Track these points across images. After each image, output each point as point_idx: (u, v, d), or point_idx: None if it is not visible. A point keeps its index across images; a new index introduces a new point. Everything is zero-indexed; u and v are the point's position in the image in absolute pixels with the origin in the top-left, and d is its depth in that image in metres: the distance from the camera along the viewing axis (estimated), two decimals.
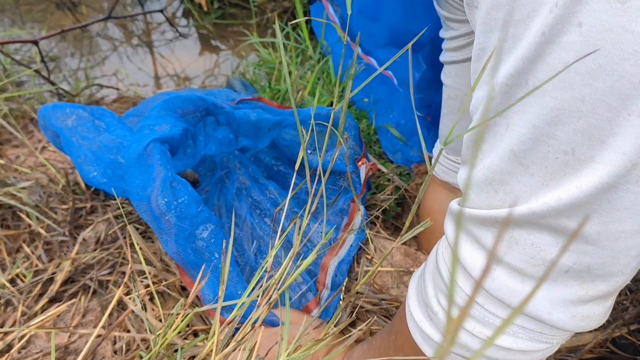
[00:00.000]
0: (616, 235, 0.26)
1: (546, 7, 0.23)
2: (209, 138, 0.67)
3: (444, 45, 0.59)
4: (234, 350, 0.38)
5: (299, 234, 0.39)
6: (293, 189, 0.42)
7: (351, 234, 0.67)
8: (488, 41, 0.28)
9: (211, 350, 0.37)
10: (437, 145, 0.71)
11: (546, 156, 0.26)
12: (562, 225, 0.27)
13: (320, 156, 0.70)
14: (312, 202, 0.40)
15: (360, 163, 0.72)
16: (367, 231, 0.71)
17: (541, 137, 0.26)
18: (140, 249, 0.66)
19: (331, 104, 0.95)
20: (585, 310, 0.30)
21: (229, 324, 0.42)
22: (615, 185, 0.24)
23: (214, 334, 0.37)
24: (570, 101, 0.24)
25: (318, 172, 0.42)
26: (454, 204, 0.35)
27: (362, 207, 0.70)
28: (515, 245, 0.29)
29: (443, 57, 0.60)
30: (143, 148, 0.56)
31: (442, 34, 0.58)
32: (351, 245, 0.67)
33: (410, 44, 0.31)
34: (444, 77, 0.62)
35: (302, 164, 0.74)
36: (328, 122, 0.69)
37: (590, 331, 0.58)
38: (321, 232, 0.68)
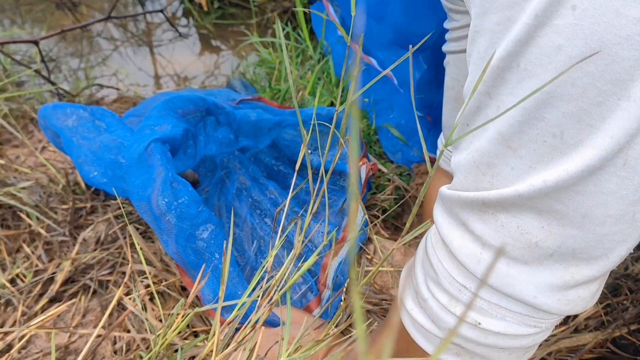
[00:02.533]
0: (601, 219, 0.26)
1: None
2: (209, 138, 0.67)
3: (447, 36, 0.59)
4: (234, 350, 0.38)
5: (300, 234, 0.39)
6: (294, 189, 0.42)
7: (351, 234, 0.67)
8: (482, 24, 0.28)
9: (211, 351, 0.37)
10: (441, 137, 0.70)
11: (535, 139, 0.26)
12: (547, 206, 0.27)
13: (321, 156, 0.70)
14: (314, 203, 0.40)
15: (360, 163, 0.72)
16: (368, 231, 0.71)
17: (530, 120, 0.26)
18: (141, 249, 0.66)
19: (331, 104, 0.95)
20: (571, 294, 0.30)
21: (229, 324, 0.42)
22: (602, 168, 0.24)
23: (214, 334, 0.37)
24: (560, 84, 0.24)
25: (320, 173, 0.42)
26: (443, 189, 0.35)
27: (363, 207, 0.70)
28: (501, 228, 0.29)
29: (445, 47, 0.60)
30: (144, 148, 0.56)
31: (446, 24, 0.59)
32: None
33: (414, 49, 0.31)
34: (445, 65, 0.62)
35: (302, 164, 0.74)
36: (328, 122, 0.69)
37: (590, 331, 0.58)
38: (321, 232, 0.68)
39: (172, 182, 0.55)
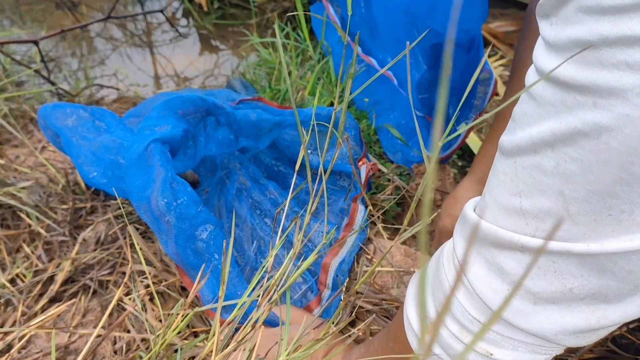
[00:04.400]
0: None
1: None
2: (209, 139, 0.67)
3: None
4: (234, 350, 0.38)
5: (299, 234, 0.39)
6: (293, 190, 0.42)
7: (352, 234, 0.67)
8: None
9: (211, 351, 0.37)
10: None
11: (599, 211, 0.25)
12: (593, 260, 0.26)
13: (321, 156, 0.69)
14: (313, 202, 0.40)
15: (360, 163, 0.72)
16: (368, 231, 0.71)
17: (600, 193, 0.24)
18: (140, 249, 0.66)
19: (331, 104, 0.95)
20: (591, 334, 0.29)
21: (229, 324, 0.42)
22: None
23: (214, 335, 0.37)
24: None
25: (319, 172, 0.42)
26: (470, 213, 0.32)
27: (363, 207, 0.70)
28: (537, 270, 0.28)
29: None
30: (143, 149, 0.56)
31: None
32: (352, 245, 0.66)
33: (410, 47, 0.31)
34: None
35: (302, 164, 0.74)
36: (328, 122, 0.69)
37: None
38: (321, 232, 0.68)
39: (172, 182, 0.55)
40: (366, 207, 0.71)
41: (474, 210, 0.33)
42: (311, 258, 0.38)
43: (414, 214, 0.79)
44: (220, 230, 0.57)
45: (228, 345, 0.38)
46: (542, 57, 0.26)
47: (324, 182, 0.38)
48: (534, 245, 0.27)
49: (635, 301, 0.27)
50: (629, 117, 0.22)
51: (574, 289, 0.27)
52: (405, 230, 0.35)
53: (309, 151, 0.72)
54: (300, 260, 0.43)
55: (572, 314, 0.28)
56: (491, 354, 0.32)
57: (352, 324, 0.61)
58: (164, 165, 0.55)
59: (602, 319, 0.28)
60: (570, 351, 0.57)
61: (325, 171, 0.69)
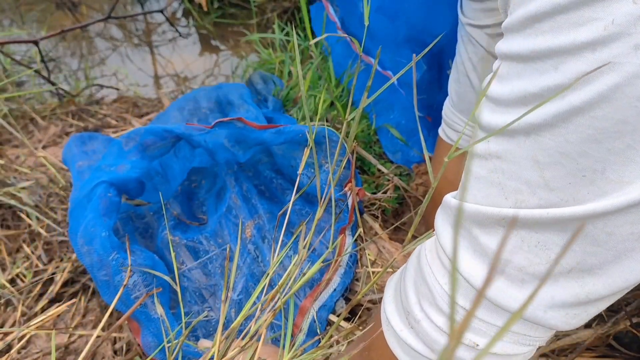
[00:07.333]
0: (625, 237, 0.26)
1: (601, 24, 0.22)
2: (186, 161, 0.70)
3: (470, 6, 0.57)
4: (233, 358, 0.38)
5: (304, 247, 0.39)
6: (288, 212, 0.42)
7: (336, 277, 0.63)
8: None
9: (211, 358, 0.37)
10: (447, 105, 0.67)
11: (573, 173, 0.25)
12: (572, 227, 0.26)
13: (315, 180, 0.69)
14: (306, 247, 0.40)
15: (347, 188, 0.68)
16: (363, 234, 0.70)
17: (571, 154, 0.25)
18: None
19: (331, 104, 0.95)
20: (582, 311, 0.29)
21: (227, 337, 0.41)
22: None
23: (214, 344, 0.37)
24: (611, 121, 0.23)
25: (319, 202, 0.41)
26: (449, 199, 0.33)
27: (351, 240, 0.67)
28: (520, 243, 0.28)
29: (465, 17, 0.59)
30: (88, 191, 0.59)
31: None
32: (334, 290, 0.63)
33: (422, 54, 0.31)
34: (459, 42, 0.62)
35: (294, 181, 0.73)
36: (316, 139, 0.67)
37: (590, 326, 0.58)
38: (316, 257, 0.66)
39: (92, 227, 0.56)
40: (355, 241, 0.67)
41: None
42: (316, 266, 0.37)
43: (413, 215, 0.78)
44: (144, 278, 0.57)
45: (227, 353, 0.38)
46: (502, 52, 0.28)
47: (320, 212, 0.38)
48: (512, 215, 0.28)
49: (619, 271, 0.27)
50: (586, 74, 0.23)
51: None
52: (410, 238, 0.34)
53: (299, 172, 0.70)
54: (276, 302, 0.42)
55: (560, 289, 0.28)
56: (477, 345, 0.32)
57: (350, 320, 0.61)
58: (94, 210, 0.57)
59: (590, 293, 0.28)
60: (570, 350, 0.57)
61: (315, 198, 0.70)
